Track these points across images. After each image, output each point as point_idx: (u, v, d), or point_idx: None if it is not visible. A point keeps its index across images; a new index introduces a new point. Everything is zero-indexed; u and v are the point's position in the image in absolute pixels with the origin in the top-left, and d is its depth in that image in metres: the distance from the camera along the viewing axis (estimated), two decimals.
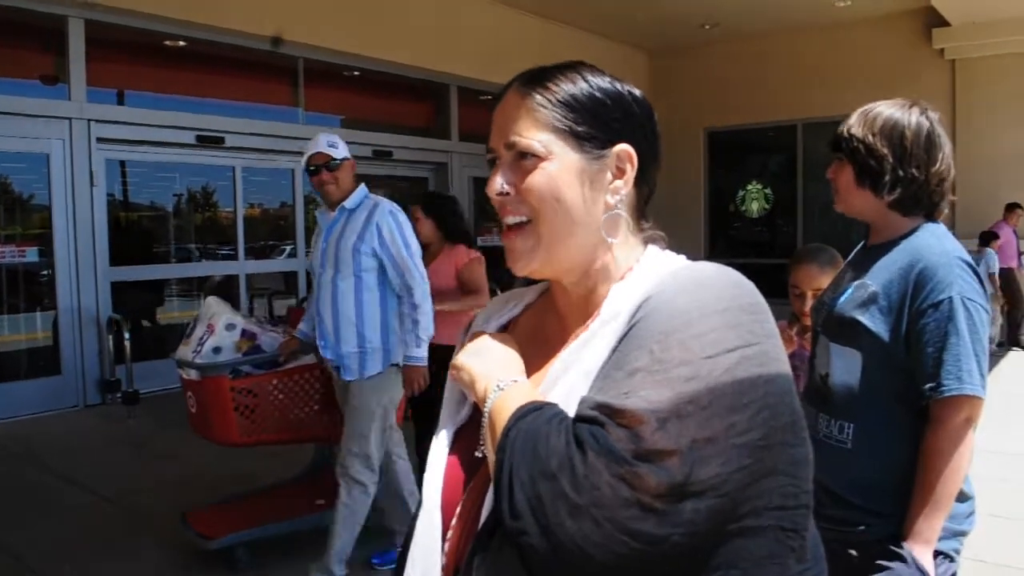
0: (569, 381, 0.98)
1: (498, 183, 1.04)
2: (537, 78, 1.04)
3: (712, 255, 12.74)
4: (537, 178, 1.01)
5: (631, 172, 1.04)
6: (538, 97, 1.03)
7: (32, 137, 7.17)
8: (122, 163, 8.31)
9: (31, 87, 7.44)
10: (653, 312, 0.92)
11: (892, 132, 1.92)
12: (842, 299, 2.00)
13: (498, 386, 1.00)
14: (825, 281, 2.74)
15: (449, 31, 9.98)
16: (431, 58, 9.91)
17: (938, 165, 1.91)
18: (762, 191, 13.32)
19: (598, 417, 0.86)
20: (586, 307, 1.07)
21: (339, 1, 8.77)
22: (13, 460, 5.82)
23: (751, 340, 0.90)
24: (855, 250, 2.15)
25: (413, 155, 10.79)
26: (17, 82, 7.33)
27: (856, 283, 1.98)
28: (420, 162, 11.05)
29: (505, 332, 1.16)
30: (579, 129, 1.02)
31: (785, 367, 0.94)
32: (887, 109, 1.95)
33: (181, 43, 8.30)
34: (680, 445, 0.83)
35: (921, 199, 1.93)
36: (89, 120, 7.41)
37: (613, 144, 1.03)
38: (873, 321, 1.89)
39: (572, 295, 1.09)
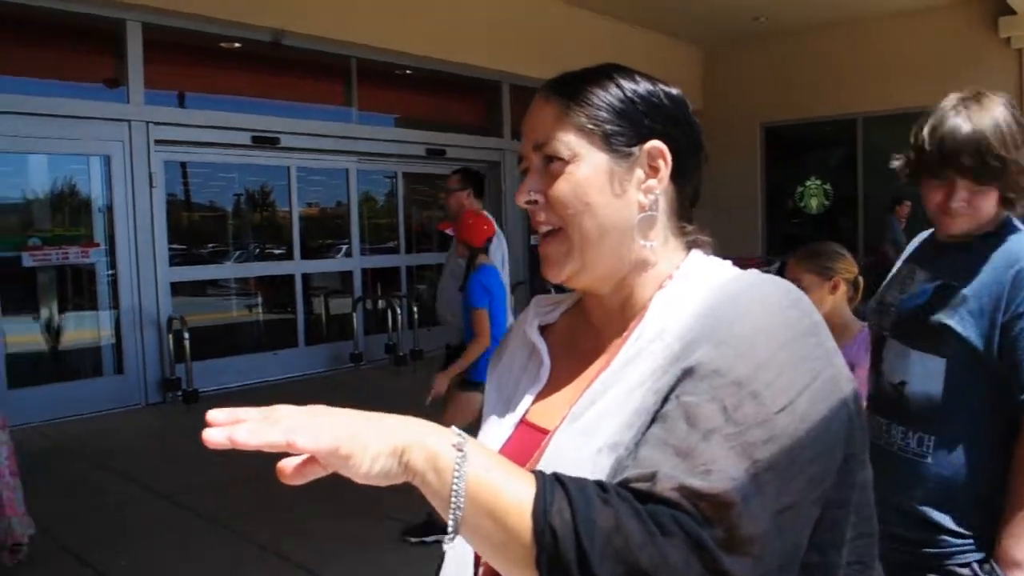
0: (606, 402, 0.91)
1: (526, 191, 1.02)
2: (562, 82, 1.02)
3: (770, 253, 12.50)
4: (563, 184, 0.98)
5: (665, 170, 0.99)
6: (564, 100, 1.00)
7: (93, 139, 7.28)
8: (181, 164, 8.43)
9: (91, 90, 7.55)
10: (718, 351, 0.84)
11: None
12: (920, 300, 1.84)
13: (457, 447, 0.78)
14: (799, 274, 2.75)
15: (501, 28, 9.92)
16: (484, 56, 9.85)
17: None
18: (821, 187, 12.99)
19: (682, 502, 0.76)
20: (622, 318, 1.01)
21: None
22: (76, 458, 5.87)
23: (817, 369, 0.86)
24: (915, 245, 2.01)
25: (466, 153, 10.74)
26: (78, 85, 7.44)
27: (937, 284, 1.82)
28: (474, 160, 10.99)
29: (542, 336, 1.11)
30: (606, 128, 0.98)
31: (849, 383, 0.89)
32: (1001, 113, 1.71)
33: (236, 44, 8.38)
34: (762, 528, 0.76)
35: None
36: (147, 122, 7.49)
37: (644, 142, 0.99)
38: (963, 325, 1.74)
39: (607, 305, 1.03)
